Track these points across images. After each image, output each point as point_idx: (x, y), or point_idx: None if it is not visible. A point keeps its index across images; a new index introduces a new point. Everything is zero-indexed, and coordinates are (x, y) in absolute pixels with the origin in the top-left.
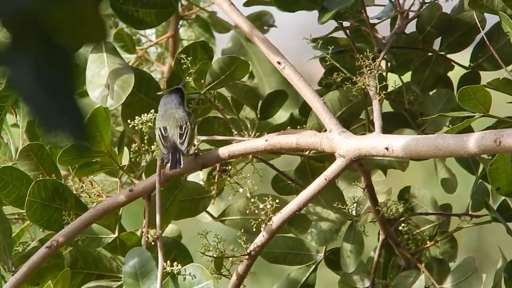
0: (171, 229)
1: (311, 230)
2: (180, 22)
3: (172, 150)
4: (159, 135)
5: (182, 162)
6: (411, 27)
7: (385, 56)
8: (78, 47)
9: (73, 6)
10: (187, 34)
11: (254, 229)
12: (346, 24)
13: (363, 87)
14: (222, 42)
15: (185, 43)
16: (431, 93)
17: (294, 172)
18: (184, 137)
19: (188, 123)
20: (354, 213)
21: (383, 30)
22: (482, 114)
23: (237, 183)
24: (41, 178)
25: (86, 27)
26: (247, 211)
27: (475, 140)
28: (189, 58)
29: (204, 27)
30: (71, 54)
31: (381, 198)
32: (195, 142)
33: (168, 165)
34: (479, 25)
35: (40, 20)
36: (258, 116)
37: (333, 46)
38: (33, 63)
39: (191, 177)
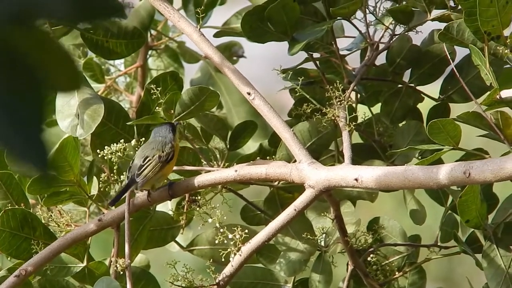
0: (139, 258)
1: (280, 261)
2: (149, 52)
3: (127, 182)
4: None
5: (119, 200)
6: (381, 59)
7: (355, 88)
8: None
9: (47, 53)
10: (156, 64)
11: (223, 259)
12: (316, 55)
13: (333, 118)
14: (191, 72)
15: (154, 73)
16: (400, 124)
17: (263, 202)
18: (142, 169)
19: (157, 156)
20: (323, 243)
21: (353, 61)
22: (452, 148)
23: (206, 213)
24: (10, 207)
25: (60, 76)
26: (216, 241)
27: (444, 172)
28: (159, 88)
29: (173, 57)
30: (42, 87)
31: (350, 229)
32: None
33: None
34: (449, 58)
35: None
36: (228, 146)
37: (303, 77)
38: (1, 92)
39: (160, 207)
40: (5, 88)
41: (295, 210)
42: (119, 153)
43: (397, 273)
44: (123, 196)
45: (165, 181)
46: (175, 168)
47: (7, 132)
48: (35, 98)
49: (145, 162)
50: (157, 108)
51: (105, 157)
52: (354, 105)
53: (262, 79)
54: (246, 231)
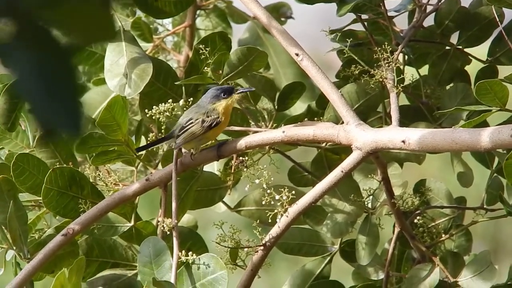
0: (187, 218)
1: (327, 222)
2: (197, 12)
3: (164, 136)
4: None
5: (147, 148)
6: (429, 21)
7: (402, 49)
8: (85, 45)
9: (82, 5)
10: (204, 24)
11: (269, 220)
12: (364, 16)
13: (381, 80)
14: (238, 33)
15: (202, 33)
16: (448, 87)
17: (310, 163)
18: (183, 130)
19: (200, 120)
20: (369, 205)
21: (401, 23)
22: (499, 109)
23: (253, 174)
24: (58, 166)
25: (95, 26)
26: (263, 202)
27: (491, 135)
28: (207, 49)
29: (221, 17)
30: (72, 52)
31: (397, 191)
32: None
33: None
34: (497, 20)
35: (43, 17)
36: (276, 107)
37: (351, 39)
38: (33, 59)
39: (207, 167)
40: (36, 53)
41: (342, 171)
42: (167, 113)
43: (443, 235)
44: (153, 147)
45: (213, 141)
46: None
47: (39, 97)
48: (67, 62)
49: (187, 124)
50: (205, 68)
51: (153, 117)
52: (401, 67)
53: (311, 34)
54: (293, 192)
